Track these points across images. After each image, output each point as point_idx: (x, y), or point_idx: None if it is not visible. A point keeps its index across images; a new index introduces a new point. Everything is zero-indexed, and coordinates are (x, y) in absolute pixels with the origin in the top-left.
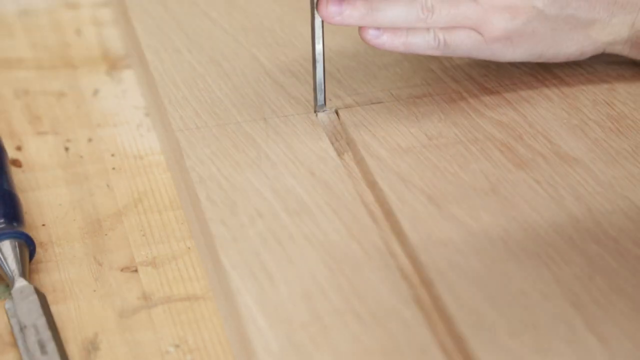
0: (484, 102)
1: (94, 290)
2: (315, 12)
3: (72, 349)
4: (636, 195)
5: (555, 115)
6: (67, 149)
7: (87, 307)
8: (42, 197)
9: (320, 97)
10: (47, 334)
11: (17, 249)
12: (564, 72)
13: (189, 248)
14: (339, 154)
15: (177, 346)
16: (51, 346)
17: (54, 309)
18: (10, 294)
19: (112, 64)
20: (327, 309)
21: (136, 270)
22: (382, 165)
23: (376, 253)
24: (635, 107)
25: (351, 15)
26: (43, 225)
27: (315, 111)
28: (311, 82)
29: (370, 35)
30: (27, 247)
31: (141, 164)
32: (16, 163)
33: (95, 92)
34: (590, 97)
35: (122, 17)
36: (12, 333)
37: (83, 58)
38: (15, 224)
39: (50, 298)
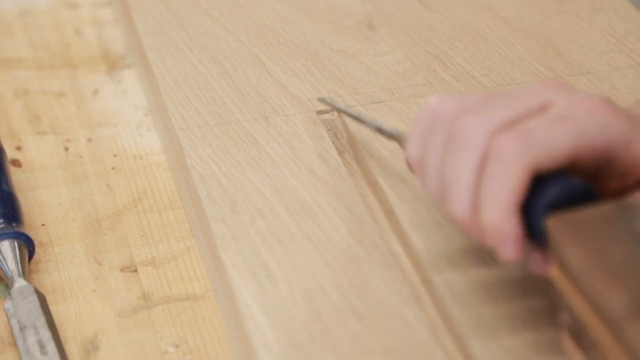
0: None
1: (94, 290)
2: None
3: (71, 348)
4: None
5: None
6: (67, 149)
7: (86, 307)
8: (42, 197)
9: None
10: (46, 334)
11: (17, 249)
12: (565, 72)
13: (188, 248)
14: (340, 153)
15: (176, 346)
16: (51, 346)
17: (53, 308)
18: (9, 294)
19: (112, 64)
20: (327, 308)
21: (136, 270)
22: (383, 165)
23: (377, 252)
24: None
25: None
26: (43, 225)
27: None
28: (312, 81)
29: None
30: (27, 247)
31: (141, 164)
32: (16, 163)
33: (95, 92)
34: None
35: (123, 15)
36: (11, 333)
37: (83, 58)
38: (14, 224)
39: (49, 298)
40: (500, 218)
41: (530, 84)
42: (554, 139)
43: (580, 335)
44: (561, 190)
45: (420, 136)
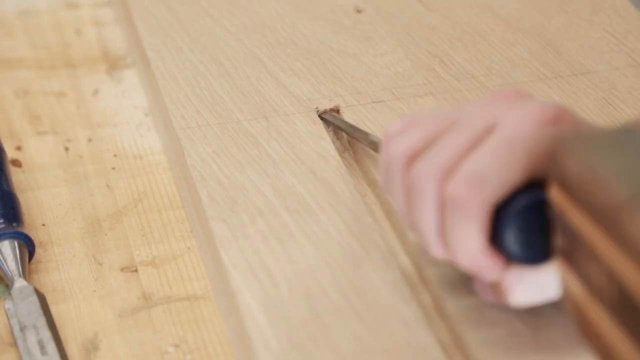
0: None
1: (94, 290)
2: None
3: (72, 348)
4: None
5: None
6: (67, 149)
7: (87, 307)
8: (42, 197)
9: None
10: (47, 334)
11: (17, 249)
12: (565, 72)
13: (189, 248)
14: (340, 153)
15: (177, 346)
16: (51, 346)
17: (53, 309)
18: (10, 294)
19: (112, 64)
20: (327, 308)
21: (136, 270)
22: None
23: (377, 252)
24: (636, 106)
25: None
26: (43, 225)
27: None
28: (312, 81)
29: None
30: (27, 247)
31: (141, 164)
32: (16, 163)
33: (95, 92)
34: (591, 96)
35: (123, 15)
36: (12, 333)
37: (83, 58)
38: (14, 224)
39: (50, 298)
40: (473, 259)
41: (482, 99)
42: (503, 171)
43: (574, 252)
44: (526, 203)
45: (383, 176)
